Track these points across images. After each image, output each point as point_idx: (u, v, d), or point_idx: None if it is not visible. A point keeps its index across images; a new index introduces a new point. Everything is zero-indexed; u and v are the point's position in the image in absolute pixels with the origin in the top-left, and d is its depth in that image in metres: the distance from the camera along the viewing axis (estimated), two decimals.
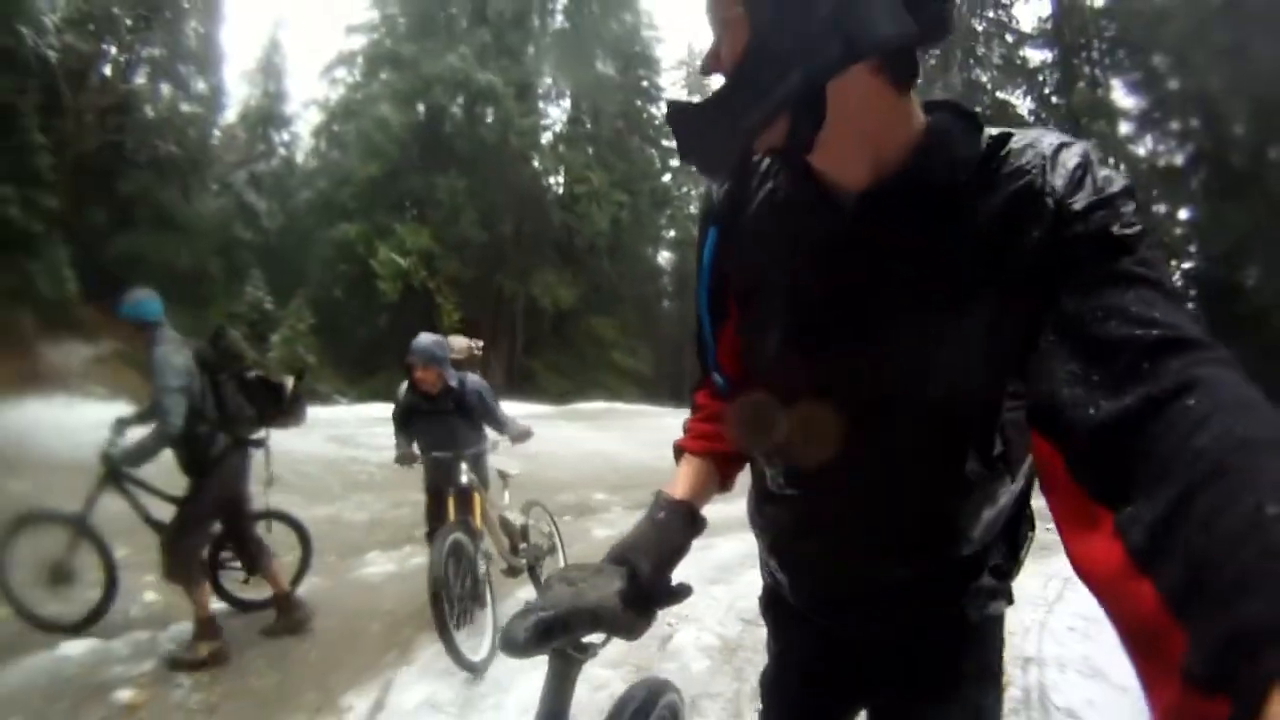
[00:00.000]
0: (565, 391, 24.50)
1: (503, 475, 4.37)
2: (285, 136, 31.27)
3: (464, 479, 3.80)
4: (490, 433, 4.20)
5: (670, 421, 3.19)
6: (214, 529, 3.68)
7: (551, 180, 31.75)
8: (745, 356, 0.94)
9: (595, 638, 0.82)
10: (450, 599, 3.23)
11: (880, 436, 0.81)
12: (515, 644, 0.70)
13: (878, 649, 1.01)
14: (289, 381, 3.83)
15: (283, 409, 3.75)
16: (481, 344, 4.56)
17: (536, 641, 0.71)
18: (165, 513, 3.53)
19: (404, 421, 4.07)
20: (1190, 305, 0.62)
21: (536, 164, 31.12)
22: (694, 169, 0.76)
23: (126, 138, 20.45)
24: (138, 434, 3.48)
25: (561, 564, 4.41)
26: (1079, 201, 0.64)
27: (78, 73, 19.01)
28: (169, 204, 21.01)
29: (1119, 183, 0.66)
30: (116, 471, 3.48)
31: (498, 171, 27.74)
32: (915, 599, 0.93)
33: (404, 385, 4.06)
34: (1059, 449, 0.55)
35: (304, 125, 31.76)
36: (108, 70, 20.98)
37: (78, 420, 10.56)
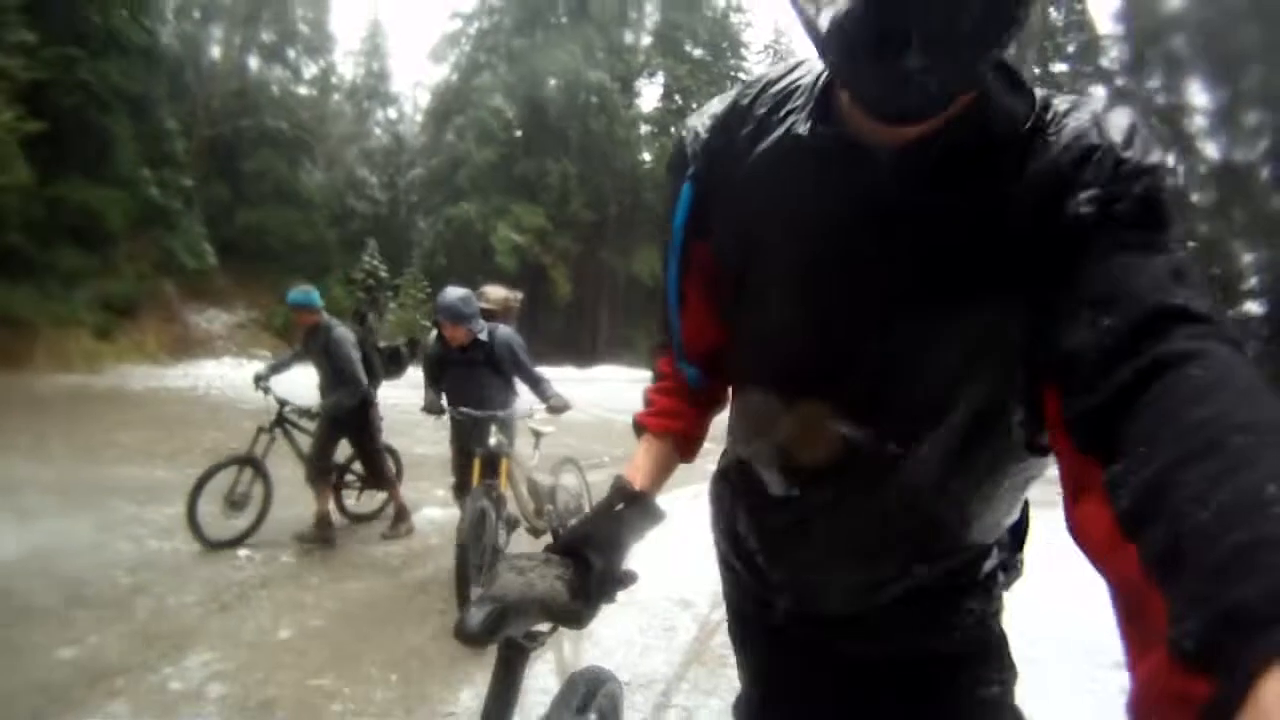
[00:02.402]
0: None
1: (536, 434, 4.22)
2: (392, 114, 32.89)
3: (491, 440, 3.67)
4: (525, 401, 4.02)
5: None
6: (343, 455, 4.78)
7: (647, 162, 32.94)
8: (736, 340, 0.86)
9: (543, 626, 0.82)
10: (471, 568, 3.17)
11: (902, 426, 0.75)
12: (469, 633, 0.71)
13: (875, 663, 0.93)
14: (403, 348, 5.08)
15: (399, 368, 4.95)
16: (520, 295, 4.32)
17: (489, 631, 0.71)
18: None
19: (434, 374, 3.97)
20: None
21: (638, 152, 32.80)
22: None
23: (247, 120, 21.91)
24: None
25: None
26: (1131, 160, 0.62)
27: (200, 61, 20.42)
28: (287, 179, 22.52)
29: (1159, 153, 0.64)
30: (282, 418, 4.52)
31: (603, 158, 29.99)
32: (921, 604, 0.87)
33: (433, 334, 3.96)
34: (1059, 395, 0.55)
35: (409, 104, 33.59)
36: (218, 55, 22.42)
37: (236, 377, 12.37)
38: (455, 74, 31.08)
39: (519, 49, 28.55)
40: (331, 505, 4.63)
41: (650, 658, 3.12)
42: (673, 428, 0.94)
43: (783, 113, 0.77)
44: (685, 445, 0.96)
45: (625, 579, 0.83)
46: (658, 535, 0.94)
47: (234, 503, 4.30)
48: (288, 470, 4.65)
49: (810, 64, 0.79)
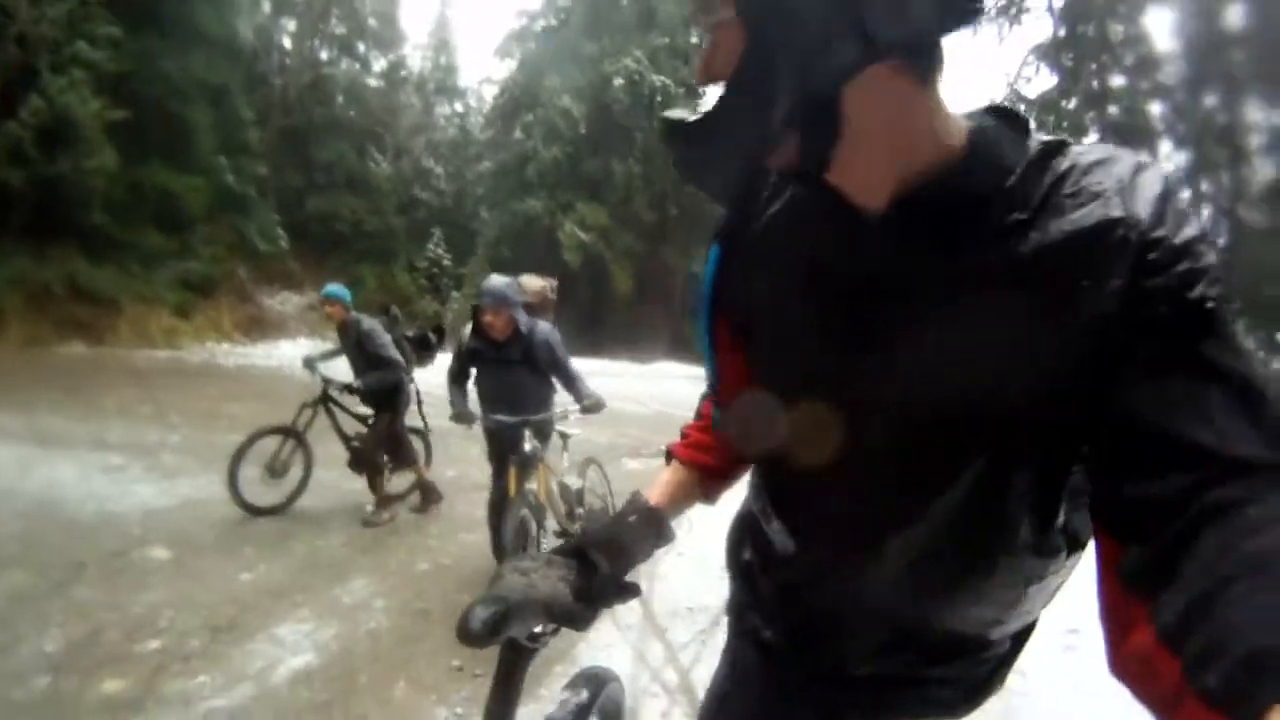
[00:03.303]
0: None
1: (563, 436, 4.09)
2: (459, 108, 33.51)
3: (526, 446, 3.50)
4: (560, 402, 3.81)
5: None
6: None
7: None
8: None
9: (546, 628, 0.82)
10: None
11: (915, 520, 0.71)
12: (470, 633, 0.69)
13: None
14: (430, 334, 5.20)
15: (429, 353, 5.13)
16: (555, 284, 4.15)
17: (491, 631, 0.70)
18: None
19: (462, 371, 3.76)
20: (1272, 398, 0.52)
21: None
22: (698, 191, 0.70)
23: (319, 110, 22.61)
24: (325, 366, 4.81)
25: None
26: (1162, 242, 0.54)
27: (274, 53, 21.15)
28: (356, 168, 23.15)
29: (1195, 225, 0.56)
30: (326, 396, 4.69)
31: (666, 159, 30.84)
32: (929, 684, 0.86)
33: (467, 329, 3.74)
34: (1115, 545, 0.53)
35: (475, 99, 34.23)
36: (289, 45, 23.20)
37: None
38: (522, 72, 31.53)
39: (588, 53, 29.05)
40: (366, 484, 4.79)
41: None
42: (700, 460, 0.95)
43: (787, 181, 0.75)
44: (709, 481, 0.97)
45: (628, 589, 0.82)
46: None
47: (274, 471, 4.50)
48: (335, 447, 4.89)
49: None
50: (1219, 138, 22.80)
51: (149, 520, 4.15)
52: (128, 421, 7.06)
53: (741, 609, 0.99)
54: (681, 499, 0.94)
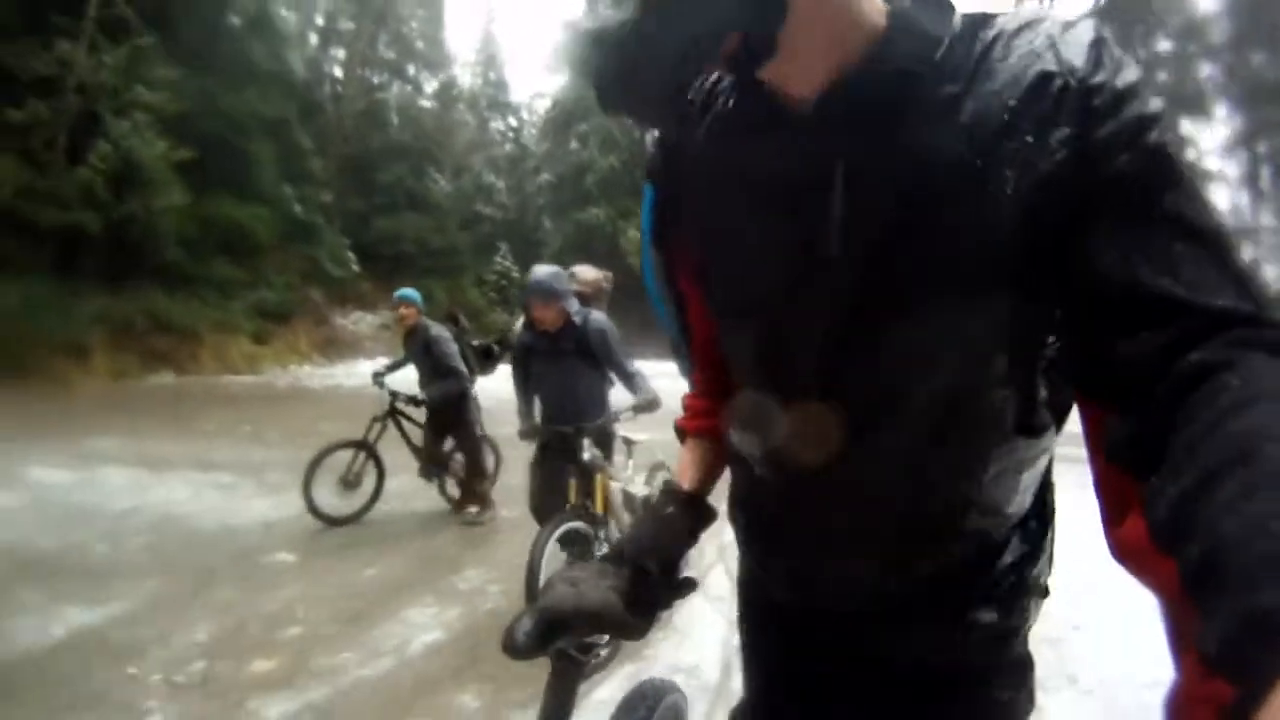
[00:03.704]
0: None
1: (627, 443, 3.90)
2: (513, 122, 33.83)
3: (585, 455, 3.28)
4: (617, 400, 3.56)
5: None
6: (448, 445, 5.06)
7: None
8: (719, 341, 0.83)
9: (599, 639, 0.79)
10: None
11: (862, 410, 0.70)
12: (515, 646, 0.68)
13: (881, 667, 0.85)
14: (494, 345, 5.14)
15: (492, 363, 5.06)
16: (611, 275, 3.92)
17: (537, 643, 0.69)
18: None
19: (525, 374, 3.59)
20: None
21: None
22: (624, 117, 0.64)
23: (375, 135, 22.92)
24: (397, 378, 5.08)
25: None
26: (1104, 87, 0.53)
27: (327, 83, 21.58)
28: (416, 189, 23.39)
29: (1134, 70, 0.55)
30: (394, 409, 4.90)
31: None
32: (936, 604, 0.79)
33: (519, 324, 3.63)
34: (1098, 412, 0.52)
35: (528, 112, 34.68)
36: (340, 73, 23.64)
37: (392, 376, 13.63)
38: (573, 85, 31.70)
39: None
40: (437, 488, 5.10)
41: None
42: (707, 425, 0.92)
43: (718, 95, 0.73)
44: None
45: (683, 586, 0.81)
46: None
47: (348, 483, 4.68)
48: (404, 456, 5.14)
49: None
50: (1270, 96, 21.54)
51: (268, 530, 4.45)
52: (229, 443, 7.52)
53: (749, 577, 0.97)
54: (710, 472, 0.90)
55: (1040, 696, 0.85)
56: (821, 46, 0.58)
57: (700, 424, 0.93)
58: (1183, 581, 0.38)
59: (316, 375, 15.18)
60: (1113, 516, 0.49)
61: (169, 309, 13.67)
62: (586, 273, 3.76)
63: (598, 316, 3.45)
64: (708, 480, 0.91)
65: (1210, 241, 0.50)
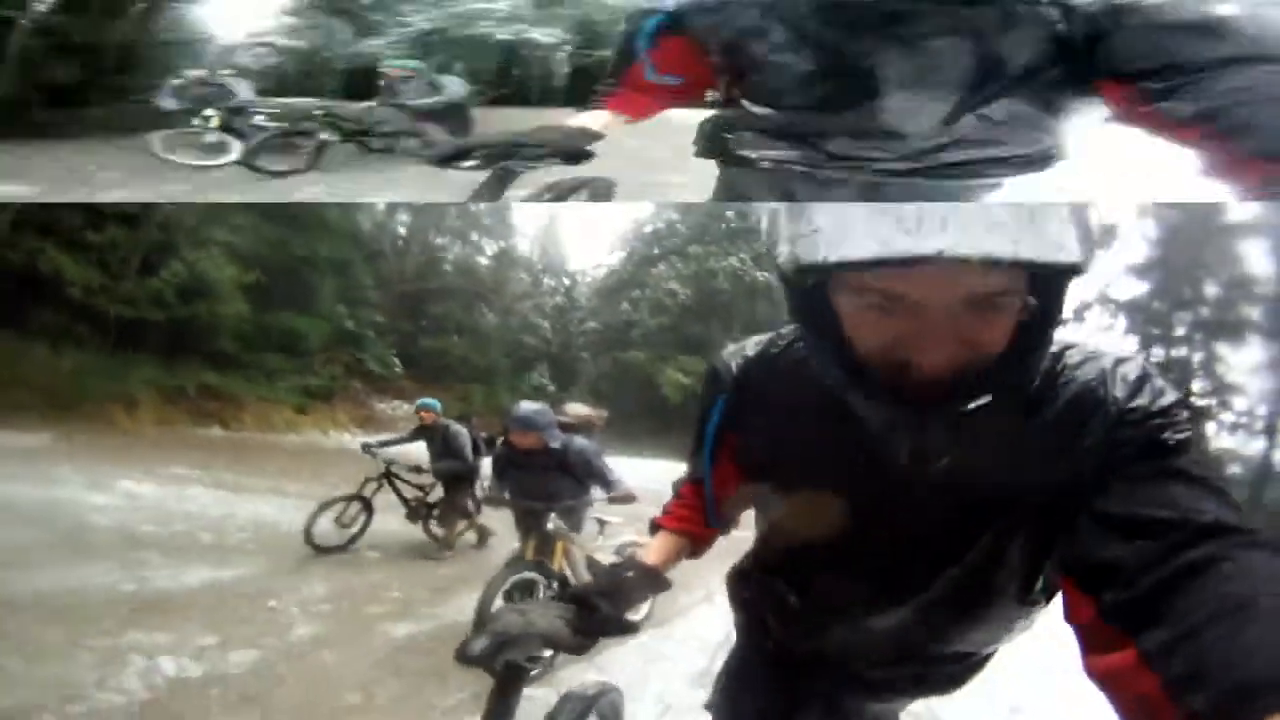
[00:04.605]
0: None
1: (601, 522, 4.16)
2: (566, 281, 36.66)
3: (549, 525, 3.59)
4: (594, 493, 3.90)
5: None
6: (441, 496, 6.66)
7: None
8: (762, 501, 1.03)
9: (543, 652, 0.88)
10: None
11: (926, 567, 0.85)
12: (467, 656, 0.75)
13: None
14: (498, 438, 5.67)
15: (494, 448, 5.84)
16: (605, 415, 4.32)
17: (490, 653, 0.76)
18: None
19: (499, 471, 3.94)
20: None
21: None
22: None
23: (433, 278, 26.45)
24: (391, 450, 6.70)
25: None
26: (1137, 410, 0.67)
27: (390, 238, 25.49)
28: (465, 321, 26.23)
29: (1171, 395, 0.69)
30: (389, 473, 6.48)
31: (767, 328, 31.92)
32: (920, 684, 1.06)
33: (500, 440, 3.94)
34: (1094, 599, 0.59)
35: (582, 276, 36.79)
36: (405, 231, 27.64)
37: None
38: (630, 261, 34.58)
39: (694, 253, 32.01)
40: (422, 526, 6.66)
41: None
42: (684, 529, 1.07)
43: (807, 364, 0.82)
44: (695, 544, 1.09)
45: (627, 626, 0.90)
46: None
47: (342, 524, 6.13)
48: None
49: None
50: None
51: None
52: (295, 480, 8.96)
53: (748, 629, 1.13)
54: (672, 555, 1.03)
55: None
56: (960, 350, 0.64)
57: (677, 524, 1.04)
58: (1166, 689, 0.45)
59: (356, 441, 15.80)
60: (1096, 652, 0.56)
61: (219, 382, 15.49)
62: (578, 409, 4.13)
63: (581, 442, 3.64)
64: (668, 559, 1.01)
65: (1204, 480, 0.60)
